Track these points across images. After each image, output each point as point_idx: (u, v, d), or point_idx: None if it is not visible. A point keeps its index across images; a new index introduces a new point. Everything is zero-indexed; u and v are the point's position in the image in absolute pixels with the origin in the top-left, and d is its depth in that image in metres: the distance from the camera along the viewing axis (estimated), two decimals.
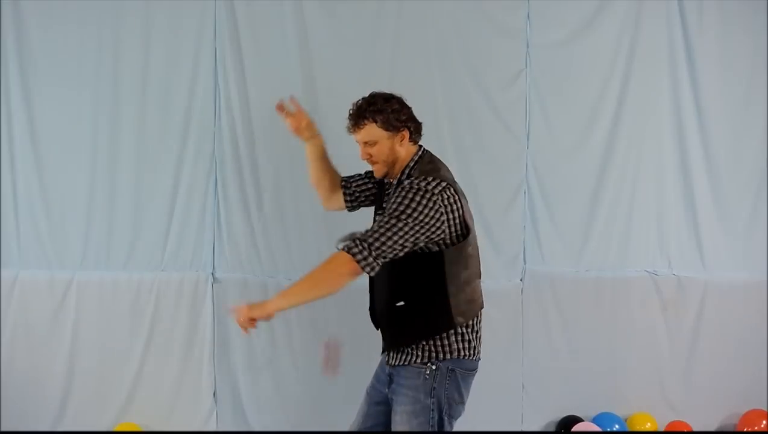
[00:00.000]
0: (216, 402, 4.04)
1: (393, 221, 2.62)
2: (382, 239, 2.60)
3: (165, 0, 3.95)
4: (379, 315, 2.89)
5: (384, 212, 2.68)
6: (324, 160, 3.20)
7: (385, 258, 2.62)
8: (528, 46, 4.16)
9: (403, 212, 2.63)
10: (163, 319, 4.00)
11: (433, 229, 2.67)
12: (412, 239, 2.64)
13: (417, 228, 2.63)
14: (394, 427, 2.79)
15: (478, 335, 2.83)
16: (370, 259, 2.60)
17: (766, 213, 4.38)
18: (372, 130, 2.80)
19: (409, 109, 2.87)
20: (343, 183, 3.16)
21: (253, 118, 4.02)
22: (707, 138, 4.32)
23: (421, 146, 2.89)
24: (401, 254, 2.64)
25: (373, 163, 2.86)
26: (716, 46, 4.29)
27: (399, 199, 2.66)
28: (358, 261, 2.59)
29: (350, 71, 4.00)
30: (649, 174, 4.30)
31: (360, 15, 4.06)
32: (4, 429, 3.87)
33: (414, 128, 2.86)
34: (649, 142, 4.29)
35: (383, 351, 2.89)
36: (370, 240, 2.60)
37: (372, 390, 2.95)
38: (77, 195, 3.95)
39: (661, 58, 4.27)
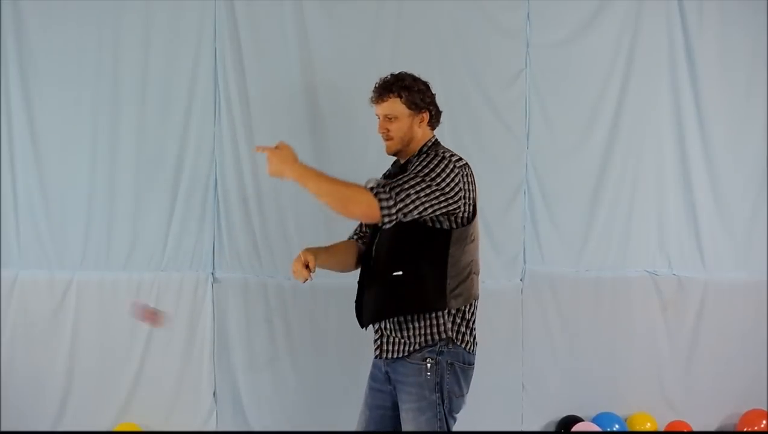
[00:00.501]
0: (216, 402, 4.04)
1: (417, 180, 2.63)
2: (407, 192, 2.60)
3: (165, 0, 3.95)
4: (370, 287, 2.84)
5: (406, 172, 2.68)
6: (335, 255, 3.04)
7: (404, 214, 2.60)
8: (528, 46, 4.17)
9: (427, 175, 2.65)
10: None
11: (450, 202, 2.68)
12: (430, 204, 2.64)
13: (437, 193, 2.64)
14: (403, 425, 2.79)
15: (471, 327, 2.82)
16: (393, 210, 2.59)
17: (766, 213, 4.39)
18: (395, 105, 2.82)
19: (433, 94, 2.90)
20: (357, 239, 3.10)
21: (253, 118, 4.02)
22: (707, 138, 4.32)
23: (434, 135, 2.91)
24: (416, 216, 2.63)
25: (388, 138, 2.85)
26: (716, 46, 4.30)
27: (423, 164, 2.68)
28: (381, 208, 2.58)
29: (350, 71, 4.00)
30: (649, 174, 4.30)
31: (360, 15, 4.06)
32: (4, 429, 3.87)
33: (435, 113, 2.89)
34: (649, 142, 4.29)
35: (377, 347, 2.87)
36: (398, 189, 2.60)
37: (371, 392, 2.93)
38: (77, 195, 3.95)
39: (661, 58, 4.27)
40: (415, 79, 2.87)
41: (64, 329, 3.95)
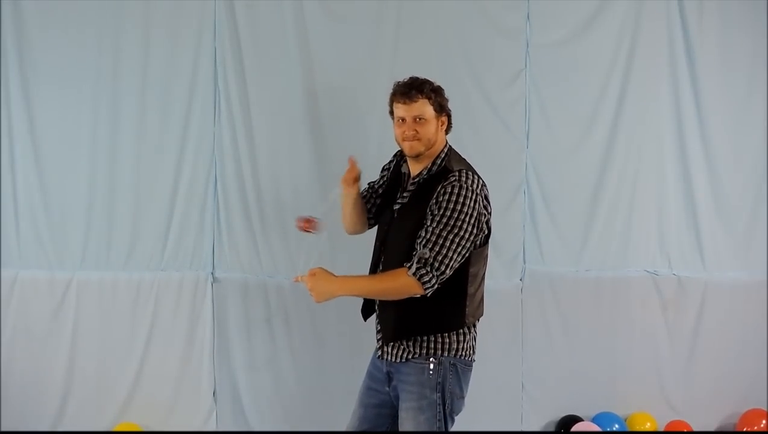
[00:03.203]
0: (216, 402, 4.04)
1: (452, 235, 2.65)
2: (446, 261, 2.65)
3: (165, 0, 3.95)
4: (385, 304, 2.84)
5: (434, 218, 2.67)
6: (360, 202, 3.10)
7: (444, 280, 2.68)
8: (528, 46, 4.16)
9: (458, 219, 2.66)
10: (163, 319, 4.00)
11: (476, 233, 2.72)
12: (463, 251, 2.68)
13: (470, 229, 2.68)
14: (401, 424, 2.79)
15: (474, 334, 2.86)
16: (434, 282, 2.65)
17: (766, 213, 4.38)
18: (425, 107, 2.80)
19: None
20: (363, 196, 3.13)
21: (253, 118, 4.02)
22: (707, 138, 4.32)
23: (447, 140, 2.92)
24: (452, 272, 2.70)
25: (415, 139, 2.81)
26: (716, 46, 4.29)
27: (451, 207, 2.67)
28: (425, 286, 2.64)
29: (350, 71, 4.00)
30: (649, 174, 4.30)
31: (360, 15, 4.06)
32: (4, 429, 3.88)
33: (450, 118, 2.90)
34: (649, 141, 4.29)
35: (379, 347, 2.88)
36: (437, 264, 2.64)
37: (367, 391, 2.93)
38: (77, 195, 3.95)
39: (661, 58, 4.26)
40: (437, 84, 2.88)
41: (64, 329, 3.95)
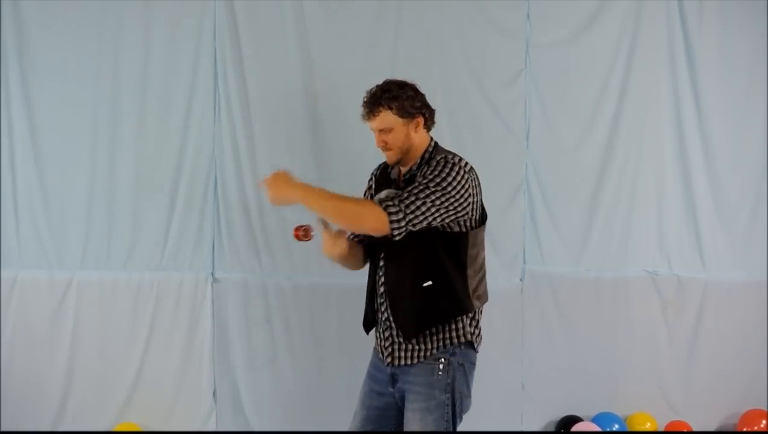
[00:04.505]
0: (216, 402, 4.04)
1: (427, 191, 2.62)
2: (417, 204, 2.60)
3: (165, 0, 3.95)
4: (396, 303, 2.79)
5: (417, 182, 2.67)
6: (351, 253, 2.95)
7: (414, 226, 2.61)
8: (528, 46, 4.16)
9: (437, 184, 2.64)
10: (162, 319, 4.00)
11: (459, 207, 2.68)
12: (439, 213, 2.64)
13: (447, 198, 2.64)
14: (407, 425, 2.77)
15: (480, 328, 2.85)
16: (403, 223, 2.59)
17: (766, 213, 4.38)
18: (387, 118, 2.79)
19: (422, 95, 2.86)
20: (354, 238, 3.01)
21: (253, 118, 4.02)
22: (707, 138, 4.32)
23: (431, 137, 2.90)
24: (425, 225, 2.63)
25: (387, 149, 2.83)
26: (716, 46, 4.29)
27: (435, 173, 2.66)
28: (391, 221, 2.58)
29: (350, 71, 4.00)
30: (649, 174, 4.30)
31: (360, 15, 4.06)
32: (4, 429, 3.88)
33: (428, 115, 2.87)
34: (649, 142, 4.29)
35: (389, 354, 2.84)
36: (408, 201, 2.60)
37: (370, 393, 2.90)
38: (77, 195, 3.96)
39: (661, 58, 4.27)
40: (402, 86, 2.82)
41: (64, 329, 3.95)
